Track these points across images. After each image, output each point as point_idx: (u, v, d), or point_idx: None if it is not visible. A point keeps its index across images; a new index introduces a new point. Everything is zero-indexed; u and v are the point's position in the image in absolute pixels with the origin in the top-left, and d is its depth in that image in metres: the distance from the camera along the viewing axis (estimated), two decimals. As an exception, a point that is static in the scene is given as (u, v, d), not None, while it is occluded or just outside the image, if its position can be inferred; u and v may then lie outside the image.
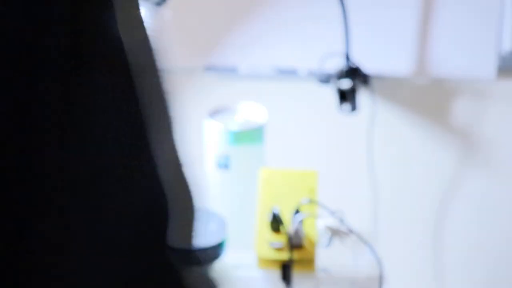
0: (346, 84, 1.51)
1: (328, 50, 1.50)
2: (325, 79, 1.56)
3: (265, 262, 1.05)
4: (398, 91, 1.58)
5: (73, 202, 0.48)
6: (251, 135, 1.20)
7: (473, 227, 1.60)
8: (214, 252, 1.07)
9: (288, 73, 1.58)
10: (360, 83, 1.51)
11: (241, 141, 1.19)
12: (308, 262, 1.04)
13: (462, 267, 1.61)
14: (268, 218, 1.06)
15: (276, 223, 1.05)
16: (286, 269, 1.03)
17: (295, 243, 1.04)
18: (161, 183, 0.53)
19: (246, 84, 1.61)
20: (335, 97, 1.53)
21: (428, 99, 1.58)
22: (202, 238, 1.06)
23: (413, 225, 1.61)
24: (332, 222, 1.11)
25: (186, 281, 0.57)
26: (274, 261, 1.04)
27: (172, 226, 0.54)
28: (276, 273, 1.04)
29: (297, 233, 1.04)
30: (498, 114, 1.56)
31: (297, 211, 1.06)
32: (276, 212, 1.05)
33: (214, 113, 1.24)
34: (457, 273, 1.61)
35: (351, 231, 1.08)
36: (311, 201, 1.08)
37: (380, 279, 1.04)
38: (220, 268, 1.08)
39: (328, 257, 1.15)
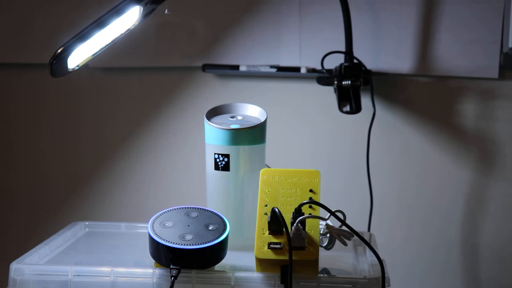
0: (346, 83, 1.50)
1: (328, 50, 1.50)
2: (326, 79, 1.56)
3: (265, 263, 1.04)
4: (400, 90, 1.57)
5: None
6: (251, 135, 1.20)
7: (474, 224, 1.59)
8: (214, 252, 1.06)
9: (288, 73, 1.58)
10: (361, 83, 1.50)
11: (241, 141, 1.19)
12: (309, 264, 1.03)
13: (465, 267, 1.60)
14: (268, 219, 1.06)
15: (276, 223, 1.05)
16: (286, 271, 1.02)
17: (295, 244, 1.03)
18: None
19: (246, 84, 1.61)
20: (336, 97, 1.53)
21: (431, 97, 1.57)
22: (202, 238, 1.06)
23: (414, 225, 1.61)
24: (333, 222, 1.11)
25: None
26: (274, 263, 1.04)
27: None
28: (276, 275, 1.03)
29: (297, 234, 1.03)
30: (502, 113, 1.55)
31: (297, 212, 1.05)
32: (276, 212, 1.04)
33: (214, 113, 1.24)
34: (458, 274, 1.61)
35: (352, 232, 1.08)
36: (312, 201, 1.07)
37: (382, 281, 1.04)
38: (220, 268, 1.08)
39: (329, 258, 1.14)
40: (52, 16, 1.62)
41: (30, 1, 1.63)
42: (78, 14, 1.56)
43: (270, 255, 1.04)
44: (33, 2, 1.63)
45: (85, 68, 1.23)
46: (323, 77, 1.56)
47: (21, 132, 1.70)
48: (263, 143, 1.22)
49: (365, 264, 1.15)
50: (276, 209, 1.04)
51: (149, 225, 1.08)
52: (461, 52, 1.52)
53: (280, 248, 1.04)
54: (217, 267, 1.08)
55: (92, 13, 1.22)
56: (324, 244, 1.14)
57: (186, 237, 1.05)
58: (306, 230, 1.05)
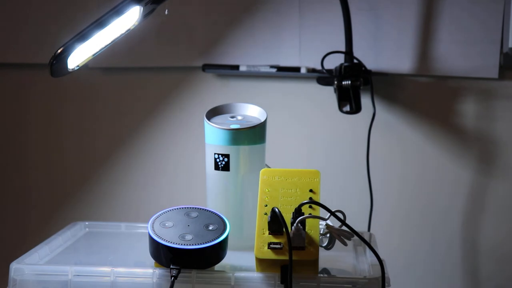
0: (346, 83, 1.50)
1: (328, 50, 1.50)
2: (326, 79, 1.56)
3: (265, 263, 1.04)
4: (400, 90, 1.57)
5: None
6: (251, 135, 1.19)
7: (474, 224, 1.59)
8: (214, 252, 1.06)
9: (288, 73, 1.58)
10: (361, 83, 1.50)
11: (241, 141, 1.19)
12: (309, 264, 1.03)
13: (464, 267, 1.60)
14: (268, 219, 1.06)
15: (276, 223, 1.05)
16: (286, 271, 1.02)
17: (295, 244, 1.03)
18: None
19: (246, 84, 1.61)
20: (336, 97, 1.53)
21: (431, 97, 1.57)
22: (202, 238, 1.06)
23: (414, 225, 1.61)
24: (333, 222, 1.10)
25: None
26: (274, 263, 1.04)
27: None
28: (276, 275, 1.03)
29: (297, 234, 1.03)
30: (502, 113, 1.55)
31: (297, 212, 1.05)
32: (276, 212, 1.04)
33: (214, 113, 1.24)
34: (458, 274, 1.61)
35: (352, 232, 1.08)
36: (312, 201, 1.07)
37: (382, 281, 1.04)
38: (220, 268, 1.08)
39: (329, 258, 1.14)
40: (47, 15, 1.61)
41: (25, 0, 1.62)
42: (73, 13, 1.56)
43: (270, 255, 1.04)
44: (27, 1, 1.62)
45: (85, 68, 1.23)
46: (323, 77, 1.56)
47: (21, 132, 1.70)
48: (263, 143, 1.22)
49: (365, 264, 1.15)
50: (276, 209, 1.04)
51: (149, 225, 1.08)
52: (461, 52, 1.52)
53: (280, 248, 1.04)
54: (217, 267, 1.08)
55: (91, 10, 1.22)
56: (324, 244, 1.14)
57: (186, 237, 1.05)
58: (306, 230, 1.05)
